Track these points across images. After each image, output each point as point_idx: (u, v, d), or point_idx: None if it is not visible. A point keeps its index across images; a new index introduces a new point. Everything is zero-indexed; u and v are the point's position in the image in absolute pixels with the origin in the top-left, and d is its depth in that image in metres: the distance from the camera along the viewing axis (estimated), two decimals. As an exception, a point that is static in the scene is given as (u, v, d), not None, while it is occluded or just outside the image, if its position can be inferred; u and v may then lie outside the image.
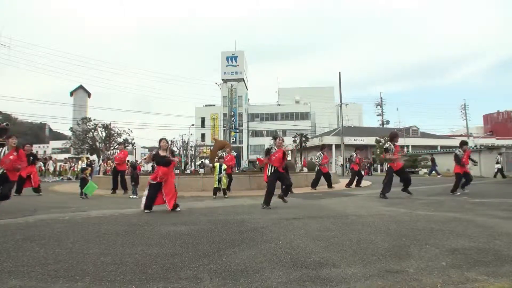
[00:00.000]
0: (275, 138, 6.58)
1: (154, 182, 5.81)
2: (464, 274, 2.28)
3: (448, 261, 2.58)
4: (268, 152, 6.45)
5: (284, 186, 6.42)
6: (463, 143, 8.80)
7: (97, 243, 3.37)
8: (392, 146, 7.84)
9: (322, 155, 11.42)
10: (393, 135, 8.15)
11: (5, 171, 5.61)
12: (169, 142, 6.06)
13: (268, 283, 2.18)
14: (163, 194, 5.84)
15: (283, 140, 6.63)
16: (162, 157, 5.90)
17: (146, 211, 5.72)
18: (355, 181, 12.26)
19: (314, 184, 11.16)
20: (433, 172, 20.68)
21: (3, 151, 5.73)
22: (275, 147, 6.38)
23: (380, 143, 32.10)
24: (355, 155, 12.61)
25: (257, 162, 9.29)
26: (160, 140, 6.07)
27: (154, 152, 6.30)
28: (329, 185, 11.41)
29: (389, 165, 7.98)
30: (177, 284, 2.18)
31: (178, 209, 5.84)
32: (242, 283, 2.19)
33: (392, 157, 7.76)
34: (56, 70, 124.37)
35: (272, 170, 6.30)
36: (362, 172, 13.75)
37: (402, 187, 7.96)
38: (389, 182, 7.80)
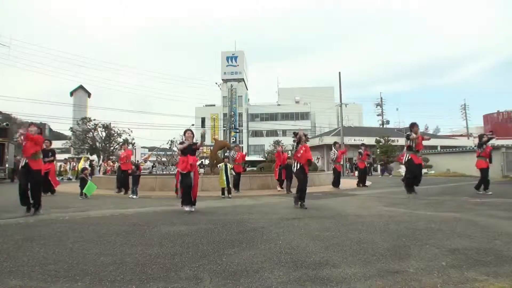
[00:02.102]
0: (296, 134, 6.46)
1: (184, 172, 5.75)
2: (464, 274, 2.28)
3: (448, 261, 2.58)
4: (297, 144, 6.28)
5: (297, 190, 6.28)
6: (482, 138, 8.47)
7: (97, 243, 3.36)
8: (414, 134, 7.34)
9: (336, 152, 11.19)
10: (413, 124, 7.59)
11: (27, 161, 5.38)
12: (193, 133, 6.17)
13: (268, 283, 2.18)
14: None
15: (304, 135, 6.49)
16: (190, 145, 5.91)
17: (187, 209, 5.64)
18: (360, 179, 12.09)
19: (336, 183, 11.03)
20: (385, 173, 24.45)
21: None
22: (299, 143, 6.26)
23: (380, 143, 32.06)
24: (362, 149, 12.17)
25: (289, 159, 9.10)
26: (186, 131, 6.12)
27: (180, 142, 6.27)
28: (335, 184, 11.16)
29: (410, 157, 7.41)
30: (177, 284, 2.18)
31: (193, 208, 5.79)
32: (242, 283, 2.19)
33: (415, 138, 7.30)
34: (56, 70, 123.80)
35: (298, 166, 6.19)
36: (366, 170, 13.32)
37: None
38: (412, 173, 7.44)
